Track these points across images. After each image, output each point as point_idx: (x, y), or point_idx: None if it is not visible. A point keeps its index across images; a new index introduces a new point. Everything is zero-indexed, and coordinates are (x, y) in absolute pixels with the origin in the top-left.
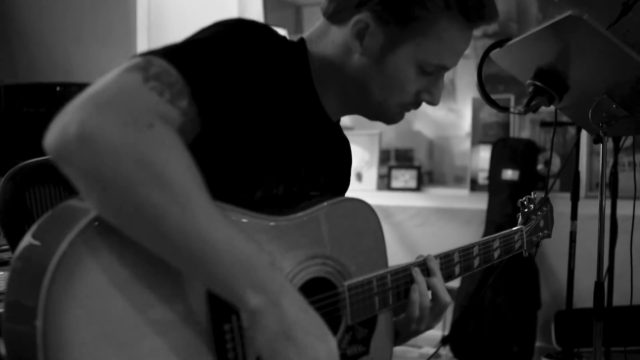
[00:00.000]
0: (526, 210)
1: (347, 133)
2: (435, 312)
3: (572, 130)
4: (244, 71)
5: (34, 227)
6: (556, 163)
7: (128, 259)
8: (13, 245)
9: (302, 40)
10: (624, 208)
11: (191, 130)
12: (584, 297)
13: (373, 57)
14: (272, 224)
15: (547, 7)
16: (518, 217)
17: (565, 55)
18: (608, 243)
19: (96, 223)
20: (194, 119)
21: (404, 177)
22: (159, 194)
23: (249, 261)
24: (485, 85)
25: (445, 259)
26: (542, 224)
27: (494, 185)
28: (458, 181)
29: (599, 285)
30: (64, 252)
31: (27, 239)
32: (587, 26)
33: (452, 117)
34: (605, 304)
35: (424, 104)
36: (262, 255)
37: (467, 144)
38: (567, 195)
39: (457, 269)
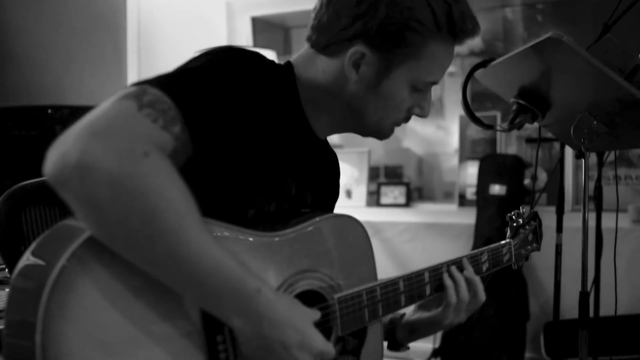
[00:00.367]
0: (515, 224)
1: (336, 151)
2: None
3: (557, 145)
4: (233, 96)
5: (33, 245)
6: (543, 178)
7: (122, 275)
8: (10, 264)
9: (289, 64)
10: (610, 221)
11: (183, 153)
12: (571, 308)
13: (369, 83)
14: (265, 240)
15: (533, 26)
16: (507, 231)
17: (546, 74)
18: (594, 255)
19: (91, 241)
20: (186, 143)
21: (393, 194)
22: (153, 224)
23: (234, 288)
24: (473, 103)
25: (434, 272)
26: (530, 237)
27: (482, 200)
28: (447, 197)
29: (583, 294)
30: (61, 268)
31: (27, 256)
32: (567, 47)
33: (440, 135)
34: (592, 314)
35: (412, 121)
36: (248, 282)
37: (455, 160)
38: (554, 209)
39: None
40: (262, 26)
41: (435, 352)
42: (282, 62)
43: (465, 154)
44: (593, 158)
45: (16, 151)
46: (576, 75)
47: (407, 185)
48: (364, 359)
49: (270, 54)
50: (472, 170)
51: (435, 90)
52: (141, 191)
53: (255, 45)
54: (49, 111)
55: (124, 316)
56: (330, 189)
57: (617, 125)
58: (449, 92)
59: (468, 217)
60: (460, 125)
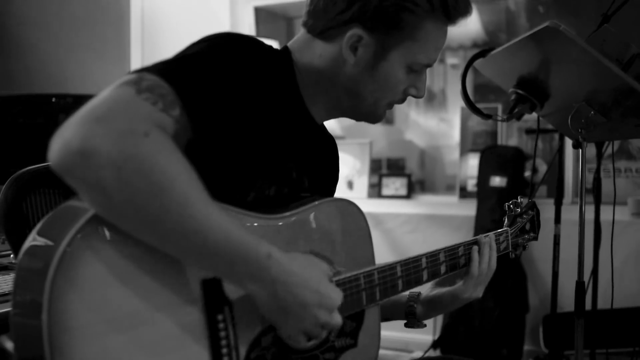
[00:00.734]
0: (512, 213)
1: (338, 142)
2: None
3: (557, 137)
4: (232, 81)
5: (38, 225)
6: (543, 170)
7: (127, 252)
8: (15, 248)
9: (286, 48)
10: (610, 213)
11: (184, 136)
12: (571, 301)
13: (366, 66)
14: (264, 222)
15: (535, 17)
16: (504, 220)
17: (545, 64)
18: (592, 247)
19: (96, 219)
20: (186, 127)
21: (395, 185)
22: (159, 199)
23: (246, 256)
24: (476, 95)
25: (431, 258)
26: (528, 226)
27: (483, 192)
28: (449, 190)
29: (579, 284)
30: (66, 246)
31: (33, 236)
32: (564, 36)
33: (443, 127)
34: (590, 307)
35: (415, 113)
36: (258, 249)
37: (458, 152)
38: (553, 201)
39: (442, 268)
40: (265, 16)
41: (434, 344)
42: (279, 48)
43: (466, 146)
44: (592, 150)
45: (21, 139)
46: (574, 65)
47: (409, 176)
48: (361, 341)
49: (273, 44)
50: (473, 162)
51: (438, 83)
52: (145, 170)
53: (258, 35)
54: (53, 99)
55: (128, 292)
56: (329, 174)
57: (614, 115)
58: (451, 84)
59: (469, 209)
60: (462, 117)
